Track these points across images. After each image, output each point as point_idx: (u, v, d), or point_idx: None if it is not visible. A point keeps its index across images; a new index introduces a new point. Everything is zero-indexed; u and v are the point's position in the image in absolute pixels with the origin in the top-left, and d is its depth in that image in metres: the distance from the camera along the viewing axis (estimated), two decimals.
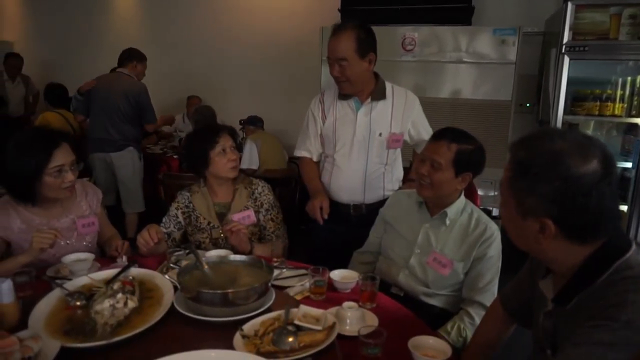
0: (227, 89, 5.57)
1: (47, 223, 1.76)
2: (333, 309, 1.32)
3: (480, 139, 1.68)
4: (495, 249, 1.62)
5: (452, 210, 1.67)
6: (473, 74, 3.90)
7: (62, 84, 4.66)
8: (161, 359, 0.98)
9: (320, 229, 2.08)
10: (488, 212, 2.81)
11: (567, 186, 0.89)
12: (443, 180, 1.61)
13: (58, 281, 1.44)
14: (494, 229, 1.64)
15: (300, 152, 2.22)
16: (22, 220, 1.73)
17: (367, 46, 1.93)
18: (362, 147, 2.05)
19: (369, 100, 2.03)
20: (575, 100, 3.32)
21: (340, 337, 1.20)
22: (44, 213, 1.77)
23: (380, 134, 2.05)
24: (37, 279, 1.47)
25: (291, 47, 5.05)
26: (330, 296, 1.49)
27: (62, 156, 1.69)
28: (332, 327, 1.20)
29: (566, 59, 3.21)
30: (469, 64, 3.89)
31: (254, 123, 4.37)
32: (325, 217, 1.93)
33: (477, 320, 1.55)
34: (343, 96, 2.06)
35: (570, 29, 3.18)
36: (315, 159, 2.19)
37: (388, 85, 2.09)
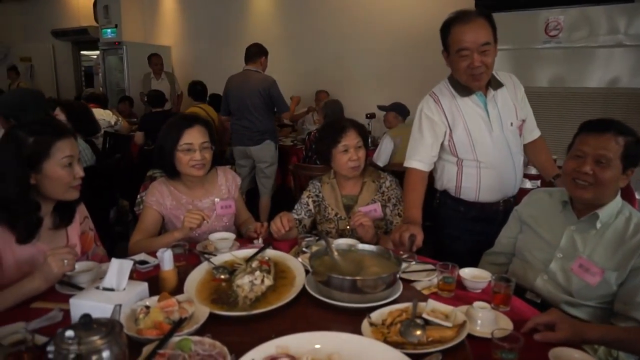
0: (355, 81, 5.65)
1: (191, 202, 2.00)
2: (463, 307, 1.27)
3: None
4: None
5: (605, 213, 1.49)
6: (633, 58, 3.41)
7: (202, 81, 5.18)
8: (296, 334, 1.05)
9: (462, 232, 1.99)
10: None
11: None
12: (612, 179, 1.44)
13: (206, 255, 1.62)
14: None
15: (411, 163, 1.95)
16: (173, 198, 1.99)
17: (496, 30, 1.80)
18: (502, 142, 1.91)
19: (491, 91, 1.89)
20: None
21: (469, 337, 1.15)
22: (190, 193, 2.01)
23: (511, 124, 1.92)
24: (189, 252, 1.67)
25: (421, 36, 4.89)
26: (458, 294, 1.44)
27: (192, 136, 1.89)
28: (462, 326, 1.16)
29: None
30: (629, 48, 3.41)
31: (400, 112, 4.10)
32: (414, 249, 1.65)
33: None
34: (465, 93, 1.88)
35: None
36: (427, 169, 1.96)
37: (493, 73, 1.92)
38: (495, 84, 1.90)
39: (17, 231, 1.46)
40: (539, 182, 2.94)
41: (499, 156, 1.91)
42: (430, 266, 1.61)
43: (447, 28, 1.81)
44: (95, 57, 8.47)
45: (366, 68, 5.59)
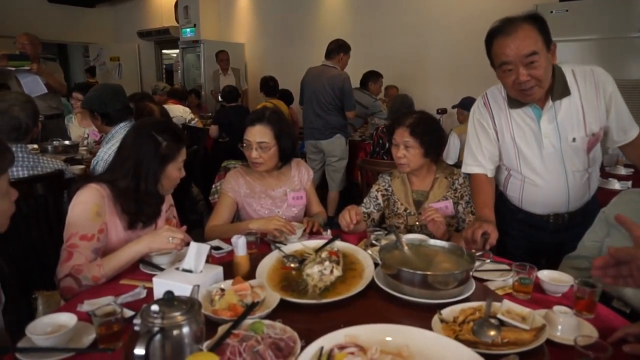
0: (426, 77, 5.51)
1: (264, 191, 2.07)
2: (541, 311, 1.21)
3: None
4: None
5: None
6: None
7: (274, 77, 5.30)
8: (366, 325, 1.05)
9: (512, 230, 1.90)
10: None
11: None
12: None
13: (277, 244, 1.67)
14: None
15: (470, 169, 1.88)
16: (247, 187, 2.08)
17: (549, 34, 1.56)
18: (555, 158, 1.71)
19: (550, 102, 1.65)
20: None
21: (547, 342, 1.09)
22: (263, 182, 2.09)
23: (574, 140, 1.67)
24: (260, 240, 1.73)
25: None
26: (535, 297, 1.36)
27: (251, 134, 1.97)
28: (541, 329, 1.10)
29: None
30: None
31: (466, 108, 3.94)
32: (487, 247, 1.57)
33: None
34: (514, 105, 1.71)
35: None
36: (490, 174, 1.86)
37: (567, 71, 1.65)
38: (559, 93, 1.64)
39: (137, 219, 1.63)
40: (629, 183, 2.71)
41: (547, 175, 1.74)
42: (505, 266, 1.54)
43: (490, 40, 1.62)
44: (175, 55, 8.97)
45: (438, 63, 5.42)
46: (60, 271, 1.45)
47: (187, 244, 1.41)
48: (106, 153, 2.47)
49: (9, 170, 1.19)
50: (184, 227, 1.57)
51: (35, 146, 3.47)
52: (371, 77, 5.08)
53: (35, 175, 2.15)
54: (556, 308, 1.18)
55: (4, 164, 1.14)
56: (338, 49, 4.18)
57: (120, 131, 2.54)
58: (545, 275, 1.41)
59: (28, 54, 4.11)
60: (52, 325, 1.14)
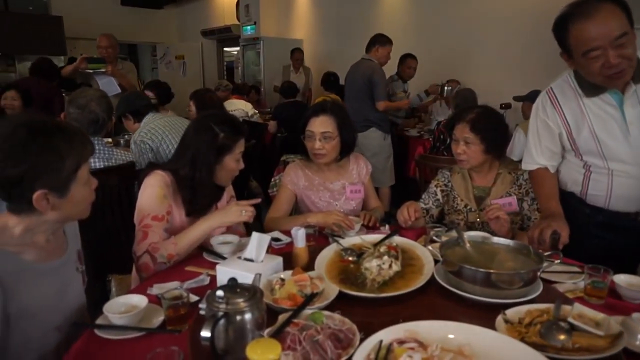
0: (488, 70, 5.28)
1: (323, 184, 2.09)
2: (617, 318, 1.12)
3: None
4: None
5: None
6: None
7: (336, 73, 5.33)
8: (428, 321, 1.04)
9: (586, 238, 1.72)
10: None
11: None
12: None
13: (335, 237, 1.68)
14: None
15: (531, 166, 1.80)
16: (306, 179, 2.10)
17: (630, 11, 1.42)
18: None
19: (632, 85, 1.50)
20: None
21: (625, 351, 1.01)
22: (322, 175, 2.11)
23: None
24: (319, 233, 1.75)
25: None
26: (610, 302, 1.28)
27: (314, 125, 1.98)
28: (618, 337, 1.02)
29: None
30: None
31: (534, 101, 3.85)
32: (560, 247, 1.47)
33: None
34: (592, 92, 1.56)
35: None
36: (552, 170, 1.78)
37: None
38: None
39: (192, 208, 1.69)
40: None
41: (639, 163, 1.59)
42: (575, 268, 1.45)
43: (564, 25, 1.46)
44: (235, 52, 9.24)
45: (500, 55, 5.16)
46: (138, 249, 1.54)
47: (249, 234, 1.45)
48: (135, 135, 2.86)
49: (89, 160, 1.28)
50: (258, 199, 1.66)
51: (110, 140, 3.70)
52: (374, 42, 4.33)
53: (110, 167, 2.30)
54: (635, 315, 1.10)
55: (86, 154, 1.23)
56: (374, 41, 4.24)
57: (147, 119, 2.91)
58: (622, 280, 1.31)
59: (109, 56, 4.50)
60: (125, 305, 1.21)
